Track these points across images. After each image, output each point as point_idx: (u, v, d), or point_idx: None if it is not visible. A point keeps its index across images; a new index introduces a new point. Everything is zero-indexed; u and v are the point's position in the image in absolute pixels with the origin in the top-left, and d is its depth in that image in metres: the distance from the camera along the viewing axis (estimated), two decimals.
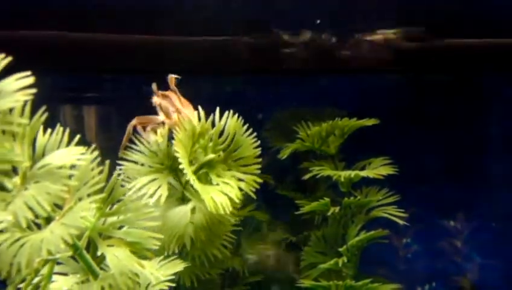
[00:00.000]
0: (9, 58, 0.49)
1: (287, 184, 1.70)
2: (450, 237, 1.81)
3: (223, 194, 0.80)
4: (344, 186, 1.46)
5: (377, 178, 1.41)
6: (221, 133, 0.87)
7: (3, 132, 0.46)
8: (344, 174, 1.39)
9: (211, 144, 0.86)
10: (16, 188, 0.51)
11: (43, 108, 0.52)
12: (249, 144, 0.85)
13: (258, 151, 0.86)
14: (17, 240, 0.53)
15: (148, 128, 0.90)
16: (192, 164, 0.86)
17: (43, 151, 0.55)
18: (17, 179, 0.52)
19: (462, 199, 1.78)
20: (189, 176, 0.80)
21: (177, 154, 0.79)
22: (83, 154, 0.53)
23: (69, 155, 0.52)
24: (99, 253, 0.63)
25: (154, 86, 0.92)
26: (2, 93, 0.47)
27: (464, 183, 1.78)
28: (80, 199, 0.55)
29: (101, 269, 0.66)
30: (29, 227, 0.56)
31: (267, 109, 1.69)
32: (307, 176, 1.44)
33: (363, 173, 1.40)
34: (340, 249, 1.40)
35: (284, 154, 1.47)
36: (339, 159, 1.50)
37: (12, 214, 0.49)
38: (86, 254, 0.63)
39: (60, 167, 0.51)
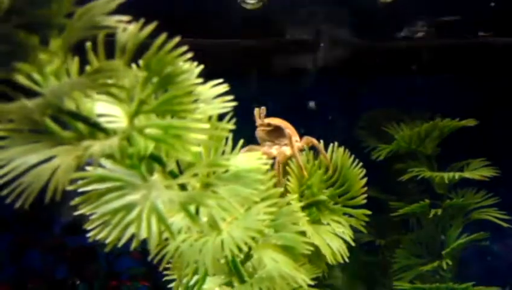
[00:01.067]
0: (202, 66, 0.50)
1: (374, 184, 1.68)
2: None
3: (336, 237, 0.73)
4: (441, 188, 1.43)
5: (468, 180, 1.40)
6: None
7: (211, 138, 0.48)
8: (448, 176, 1.36)
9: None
10: (196, 191, 0.52)
11: (231, 114, 0.53)
12: (356, 176, 0.77)
13: (365, 181, 0.80)
14: (196, 240, 0.54)
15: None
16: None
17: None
18: (195, 181, 0.53)
19: None
20: (299, 215, 0.70)
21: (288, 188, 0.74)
22: (261, 159, 0.54)
23: (253, 160, 0.53)
24: (255, 256, 0.62)
25: (257, 112, 0.81)
26: (200, 100, 0.48)
27: None
28: (256, 202, 0.56)
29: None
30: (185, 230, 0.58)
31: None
32: (405, 177, 1.42)
33: (467, 175, 1.36)
34: (443, 252, 1.37)
35: (381, 155, 1.46)
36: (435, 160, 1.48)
37: (207, 215, 0.51)
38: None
39: (249, 171, 0.52)
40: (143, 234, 0.47)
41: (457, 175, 1.35)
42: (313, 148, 0.79)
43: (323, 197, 0.75)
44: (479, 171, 1.39)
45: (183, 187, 0.53)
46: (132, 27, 0.45)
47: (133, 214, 0.46)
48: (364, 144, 1.57)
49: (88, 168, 0.49)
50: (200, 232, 0.56)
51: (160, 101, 0.44)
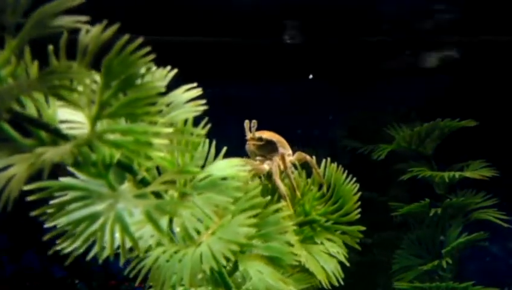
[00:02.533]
0: (177, 70, 0.47)
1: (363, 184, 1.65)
2: None
3: (331, 258, 0.68)
4: (441, 188, 1.38)
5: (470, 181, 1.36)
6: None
7: (180, 143, 0.45)
8: (448, 175, 1.32)
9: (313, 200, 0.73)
10: (173, 201, 0.49)
11: (206, 119, 0.50)
12: (350, 192, 0.72)
13: (358, 196, 0.71)
14: (174, 253, 0.51)
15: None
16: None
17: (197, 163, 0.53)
18: (173, 191, 0.50)
19: None
20: (287, 224, 0.63)
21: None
22: (242, 165, 0.51)
23: (231, 166, 0.50)
24: (240, 268, 0.59)
25: (247, 125, 0.74)
26: (171, 105, 0.45)
27: None
28: (237, 213, 0.52)
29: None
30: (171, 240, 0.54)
31: None
32: (405, 176, 1.39)
33: (467, 174, 1.32)
34: (443, 251, 1.33)
35: (382, 155, 1.42)
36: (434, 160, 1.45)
37: (180, 225, 0.48)
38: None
39: (224, 178, 0.48)
40: (107, 246, 0.43)
41: (457, 174, 1.31)
42: (305, 163, 0.74)
43: (316, 217, 0.70)
44: (479, 171, 1.35)
45: (158, 196, 0.50)
46: (95, 28, 0.42)
47: (97, 224, 0.43)
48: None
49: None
50: (183, 245, 0.52)
51: (120, 104, 0.41)
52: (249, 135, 0.74)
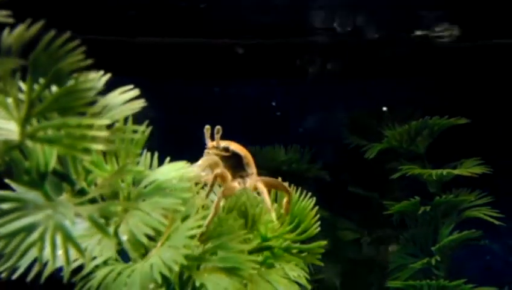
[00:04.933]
0: (109, 75, 0.43)
1: (359, 182, 1.62)
2: None
3: (290, 283, 0.60)
4: (433, 186, 1.34)
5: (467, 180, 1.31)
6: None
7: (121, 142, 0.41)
8: (436, 173, 1.27)
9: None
10: (119, 210, 0.45)
11: (146, 122, 0.45)
12: (305, 209, 0.65)
13: (315, 211, 0.64)
14: (122, 271, 0.46)
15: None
16: None
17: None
18: (119, 202, 0.46)
19: None
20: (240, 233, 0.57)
21: None
22: (187, 168, 0.47)
23: (175, 169, 0.45)
24: (197, 283, 0.53)
25: (207, 131, 0.63)
26: (108, 107, 0.41)
27: None
28: (185, 218, 0.48)
29: None
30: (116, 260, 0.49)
31: None
32: (395, 175, 1.34)
33: (456, 171, 1.27)
34: (433, 248, 1.28)
35: (371, 153, 1.38)
36: (427, 159, 1.40)
37: (128, 233, 0.43)
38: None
39: (170, 181, 0.44)
40: (46, 257, 0.40)
41: (445, 172, 1.27)
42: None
43: (274, 242, 0.63)
44: (471, 169, 1.31)
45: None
46: (19, 27, 0.38)
47: (35, 235, 0.39)
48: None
49: None
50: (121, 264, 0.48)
51: (51, 99, 0.37)
52: (209, 143, 0.63)
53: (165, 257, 0.45)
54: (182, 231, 0.46)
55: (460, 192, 1.35)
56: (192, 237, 0.47)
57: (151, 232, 0.44)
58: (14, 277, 0.42)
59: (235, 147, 0.64)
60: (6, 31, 0.38)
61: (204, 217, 0.48)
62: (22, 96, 0.39)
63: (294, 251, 0.62)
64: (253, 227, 0.61)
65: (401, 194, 1.51)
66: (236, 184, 0.62)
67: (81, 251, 0.40)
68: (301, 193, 0.65)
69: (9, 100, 0.38)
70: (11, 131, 0.39)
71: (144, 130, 0.44)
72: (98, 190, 0.42)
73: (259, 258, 0.61)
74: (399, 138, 1.36)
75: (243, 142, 0.66)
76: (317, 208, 0.64)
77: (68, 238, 0.39)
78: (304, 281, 0.60)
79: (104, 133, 0.38)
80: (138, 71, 1.49)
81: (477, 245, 1.36)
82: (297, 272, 0.59)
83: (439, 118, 1.31)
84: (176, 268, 0.45)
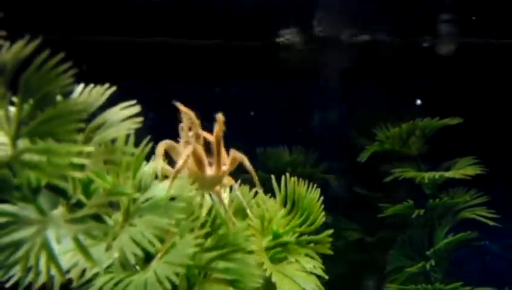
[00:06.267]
0: (114, 88, 0.43)
1: (364, 183, 1.62)
2: None
3: (308, 275, 0.62)
4: (429, 188, 1.34)
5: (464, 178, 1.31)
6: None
7: (111, 163, 0.41)
8: (428, 176, 1.27)
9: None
10: (117, 224, 0.45)
11: (148, 138, 0.46)
12: (312, 201, 0.66)
13: (321, 201, 0.65)
14: (120, 281, 0.47)
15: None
16: None
17: (140, 184, 0.49)
18: (118, 215, 0.46)
19: None
20: (265, 261, 0.59)
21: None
22: (185, 186, 0.47)
23: (175, 187, 0.46)
24: None
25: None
26: (107, 123, 0.42)
27: None
28: (182, 234, 0.49)
29: None
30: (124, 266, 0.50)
31: None
32: (388, 178, 1.34)
33: (448, 174, 1.27)
34: (428, 252, 1.28)
35: (364, 157, 1.39)
36: (422, 160, 1.40)
37: (119, 250, 0.44)
38: None
39: (166, 200, 0.45)
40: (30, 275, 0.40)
41: (437, 175, 1.27)
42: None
43: (287, 238, 0.64)
44: (464, 170, 1.30)
45: (99, 220, 0.46)
46: (16, 45, 0.39)
47: (21, 251, 0.40)
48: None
49: None
50: (125, 271, 0.48)
51: (37, 122, 0.37)
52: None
53: (159, 273, 0.46)
54: (181, 248, 0.47)
55: (456, 191, 1.35)
56: (190, 254, 0.47)
57: (140, 253, 0.44)
58: (8, 285, 0.43)
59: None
60: (4, 49, 0.38)
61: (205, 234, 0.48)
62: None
63: (306, 243, 0.63)
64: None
65: (404, 194, 1.51)
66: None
67: (62, 274, 0.41)
68: (308, 186, 0.66)
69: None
70: (3, 144, 0.40)
71: (143, 148, 0.44)
72: (89, 209, 0.42)
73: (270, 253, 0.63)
74: (391, 140, 1.36)
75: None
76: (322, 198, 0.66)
77: (51, 259, 0.40)
78: (320, 272, 0.61)
79: (87, 161, 0.38)
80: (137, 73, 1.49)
81: (476, 246, 1.35)
82: (312, 264, 0.60)
83: (430, 119, 1.31)
84: (169, 286, 0.46)
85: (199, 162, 0.55)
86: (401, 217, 1.40)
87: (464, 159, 1.36)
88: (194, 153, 0.54)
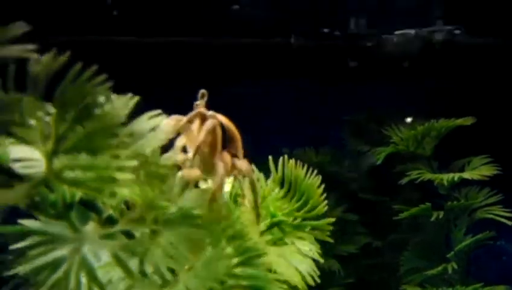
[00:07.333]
0: (138, 97, 0.42)
1: (368, 187, 1.62)
2: None
3: (304, 257, 0.60)
4: (444, 189, 1.33)
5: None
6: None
7: (147, 176, 0.40)
8: (447, 178, 1.26)
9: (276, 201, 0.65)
10: (147, 237, 0.44)
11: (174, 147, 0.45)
12: (312, 186, 0.64)
13: (322, 189, 0.64)
14: None
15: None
16: None
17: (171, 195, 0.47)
18: (145, 227, 0.45)
19: None
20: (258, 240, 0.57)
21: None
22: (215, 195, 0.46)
23: (203, 197, 0.45)
24: None
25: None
26: (137, 134, 0.40)
27: None
28: (214, 245, 0.47)
29: None
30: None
31: None
32: (404, 180, 1.33)
33: (466, 175, 1.26)
34: (448, 255, 1.27)
35: (379, 158, 1.37)
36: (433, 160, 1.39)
37: (153, 265, 0.43)
38: None
39: (197, 209, 0.43)
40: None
41: (456, 177, 1.26)
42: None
43: (284, 217, 0.63)
44: (479, 170, 1.29)
45: (129, 236, 0.44)
46: (45, 57, 0.38)
47: (60, 271, 0.38)
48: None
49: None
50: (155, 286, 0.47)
51: (77, 138, 0.36)
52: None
53: (191, 288, 0.44)
54: (214, 260, 0.45)
55: (469, 191, 1.34)
56: (223, 268, 0.45)
57: (175, 266, 0.43)
58: None
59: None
60: (33, 60, 0.37)
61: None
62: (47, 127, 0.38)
63: (305, 228, 0.62)
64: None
65: (410, 195, 1.50)
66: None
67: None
68: (307, 171, 0.65)
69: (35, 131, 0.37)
70: (38, 162, 0.38)
71: (167, 164, 0.42)
72: (124, 225, 0.41)
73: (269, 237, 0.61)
74: (406, 142, 1.35)
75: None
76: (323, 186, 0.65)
77: (91, 276, 0.38)
78: (316, 255, 0.59)
79: (131, 176, 0.36)
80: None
81: (491, 245, 1.34)
82: (308, 247, 0.58)
83: (445, 119, 1.30)
84: None
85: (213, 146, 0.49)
86: (411, 219, 1.39)
87: (477, 159, 1.35)
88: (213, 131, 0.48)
